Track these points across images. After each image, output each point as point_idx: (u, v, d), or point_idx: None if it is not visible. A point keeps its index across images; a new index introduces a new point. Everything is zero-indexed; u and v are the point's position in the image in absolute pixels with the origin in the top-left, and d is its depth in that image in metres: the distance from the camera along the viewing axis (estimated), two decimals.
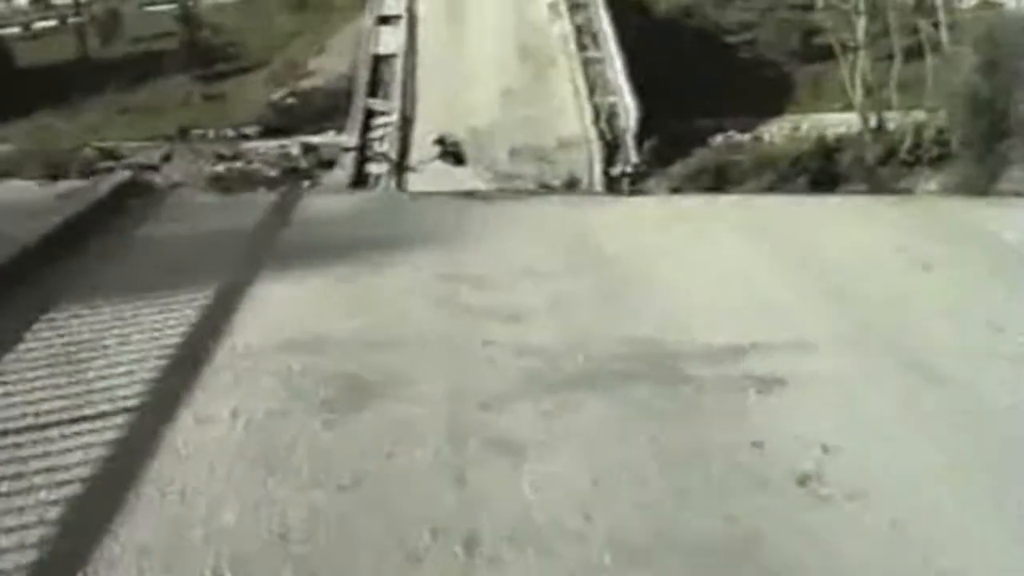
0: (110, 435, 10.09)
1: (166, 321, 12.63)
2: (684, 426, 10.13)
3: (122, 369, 11.36)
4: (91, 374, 11.32)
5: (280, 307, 13.11)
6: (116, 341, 12.10)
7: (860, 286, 13.76)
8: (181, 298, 13.19)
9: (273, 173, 21.65)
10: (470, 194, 19.42)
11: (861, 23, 22.93)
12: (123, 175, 20.04)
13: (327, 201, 19.02)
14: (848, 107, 23.11)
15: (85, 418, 10.43)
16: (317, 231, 16.72)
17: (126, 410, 10.53)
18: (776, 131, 23.65)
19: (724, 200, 19.47)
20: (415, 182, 21.62)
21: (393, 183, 21.36)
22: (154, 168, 21.66)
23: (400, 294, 13.58)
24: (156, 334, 12.24)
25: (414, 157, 22.32)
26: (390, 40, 26.29)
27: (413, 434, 9.98)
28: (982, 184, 18.70)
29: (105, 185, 18.88)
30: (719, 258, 15.07)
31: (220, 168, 21.67)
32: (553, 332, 12.21)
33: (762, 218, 17.45)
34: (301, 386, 10.85)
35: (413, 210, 18.24)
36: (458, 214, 17.50)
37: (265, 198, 19.24)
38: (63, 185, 19.07)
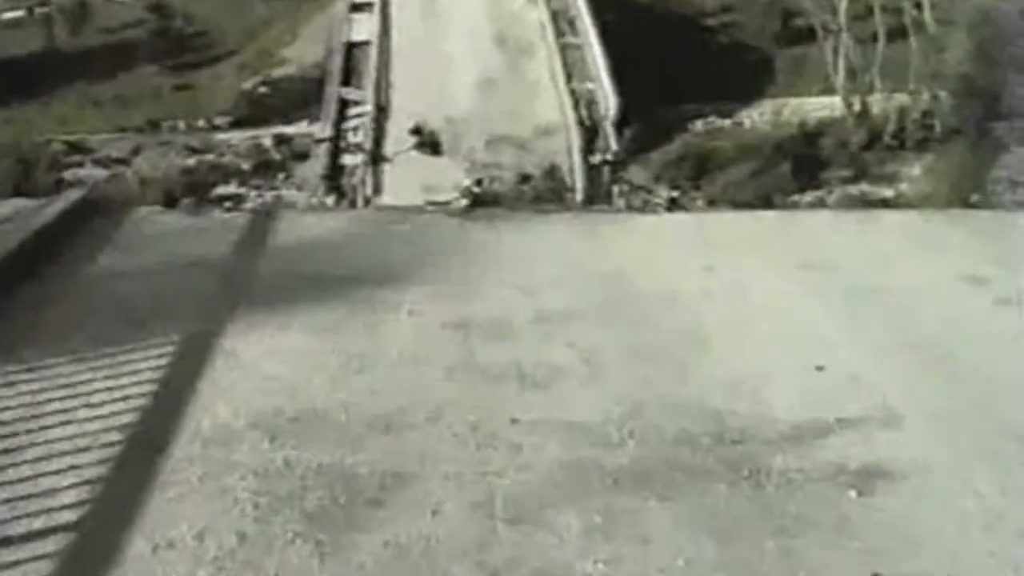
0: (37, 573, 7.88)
1: (118, 389, 10.56)
2: (776, 551, 8.20)
3: (57, 465, 9.27)
4: (14, 472, 9.21)
5: (257, 368, 11.16)
6: (54, 420, 10.04)
7: (947, 338, 12.19)
8: (137, 356, 11.19)
9: (245, 166, 20.88)
10: (468, 212, 17.38)
11: (843, 4, 22.30)
12: (75, 194, 18.87)
13: (306, 222, 16.75)
14: (829, 90, 22.50)
15: (4, 542, 8.28)
16: (297, 261, 14.61)
17: (62, 529, 8.41)
18: (757, 116, 23.02)
19: (766, 219, 17.72)
20: (391, 172, 20.87)
21: (370, 183, 20.50)
22: (123, 162, 20.90)
23: (400, 351, 11.68)
24: (103, 409, 10.20)
25: (389, 147, 21.57)
26: (364, 27, 25.51)
27: (426, 570, 8.11)
28: (976, 170, 18.04)
29: (54, 207, 17.46)
30: (778, 302, 13.37)
31: (191, 161, 20.88)
32: (592, 404, 10.49)
33: (815, 245, 15.87)
34: (284, 491, 9.00)
35: (404, 233, 16.02)
36: (457, 238, 15.82)
37: (237, 219, 16.38)
38: (3, 208, 17.31)
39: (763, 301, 13.36)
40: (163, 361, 11.23)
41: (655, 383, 10.94)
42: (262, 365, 11.32)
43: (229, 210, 17.38)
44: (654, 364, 11.44)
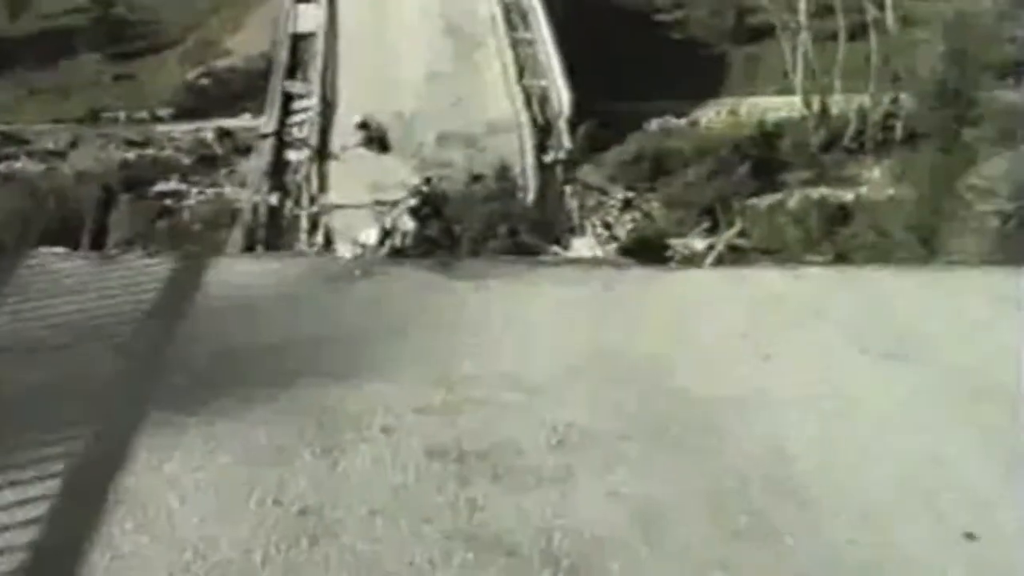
0: None
1: None
2: None
3: None
4: None
5: (168, 524, 7.57)
6: None
7: None
8: None
9: (187, 161, 19.89)
10: (445, 264, 12.57)
11: (802, 1, 21.35)
12: None
13: (241, 273, 11.90)
14: (787, 90, 21.61)
15: None
16: (228, 334, 10.23)
17: None
18: (713, 115, 22.13)
19: (813, 277, 12.40)
20: (337, 169, 19.82)
21: (315, 181, 19.46)
22: (60, 155, 19.75)
23: (373, 504, 7.86)
24: None
25: (336, 143, 20.50)
26: (310, 18, 24.34)
27: None
28: (947, 176, 17.13)
29: None
30: (875, 416, 9.10)
31: (130, 155, 19.87)
32: None
33: (890, 316, 10.92)
34: None
35: (367, 293, 11.26)
36: (435, 301, 11.07)
37: (154, 267, 11.57)
38: None
39: (853, 413, 9.09)
40: (39, 511, 7.54)
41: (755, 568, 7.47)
42: (174, 523, 7.48)
43: (150, 254, 13.67)
44: (744, 536, 7.65)
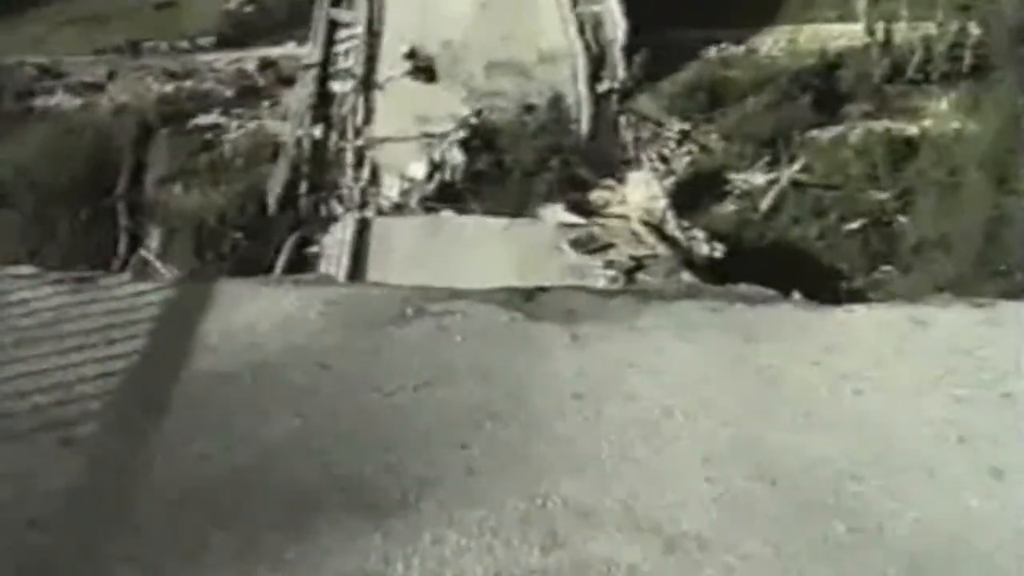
0: None
1: None
2: None
3: None
4: None
5: None
6: None
7: None
8: None
9: (228, 93, 18.91)
10: (526, 295, 8.80)
11: None
12: None
13: (256, 309, 8.53)
14: (848, 17, 20.29)
15: None
16: (229, 429, 7.19)
17: None
18: (772, 43, 20.80)
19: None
20: (382, 101, 18.77)
21: (360, 113, 18.39)
22: (98, 88, 18.78)
23: None
24: None
25: (382, 73, 19.38)
26: None
27: None
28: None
29: None
30: None
31: (169, 88, 18.89)
32: None
33: None
34: None
35: (417, 347, 8.01)
36: (515, 363, 7.80)
37: (141, 297, 8.81)
38: None
39: None
40: None
41: None
42: None
43: (137, 277, 11.33)
44: None
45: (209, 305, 8.53)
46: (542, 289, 8.63)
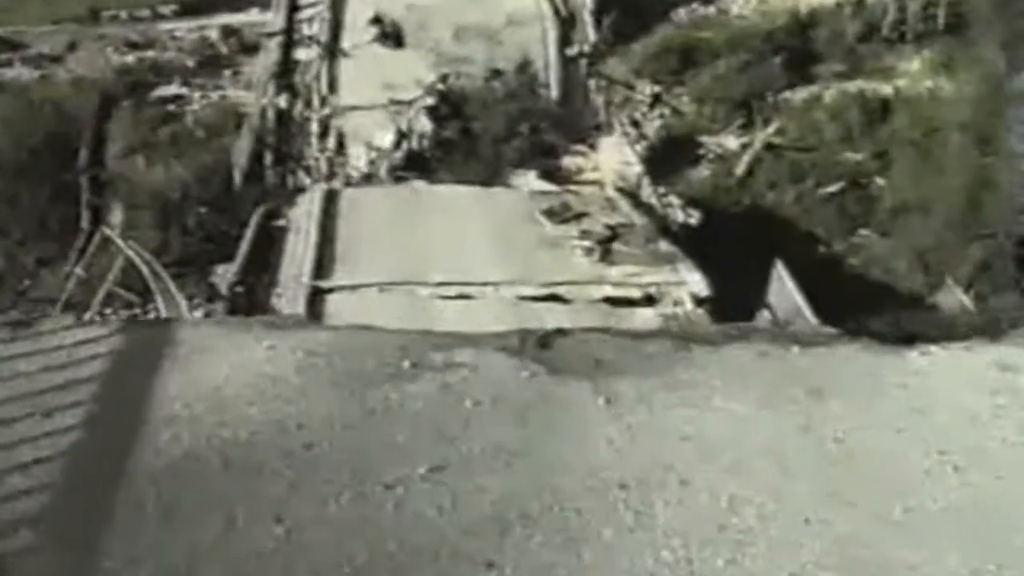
0: None
1: None
2: None
3: None
4: None
5: None
6: None
7: None
8: None
9: (190, 62, 18.21)
10: (542, 342, 7.91)
11: None
12: None
13: (220, 368, 7.43)
14: None
15: None
16: (184, 547, 5.89)
17: None
18: (743, 3, 20.22)
19: None
20: (348, 68, 18.14)
21: (325, 81, 17.76)
22: (57, 60, 18.07)
23: None
24: None
25: (347, 40, 18.71)
26: None
27: None
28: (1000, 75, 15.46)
29: None
30: None
31: (130, 59, 18.19)
32: None
33: None
34: None
35: (419, 415, 6.90)
36: (532, 434, 6.79)
37: (84, 347, 7.50)
38: None
39: None
40: None
41: None
42: None
43: (80, 320, 9.30)
44: None
45: (167, 357, 7.10)
46: (561, 332, 7.55)
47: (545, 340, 7.34)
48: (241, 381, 6.80)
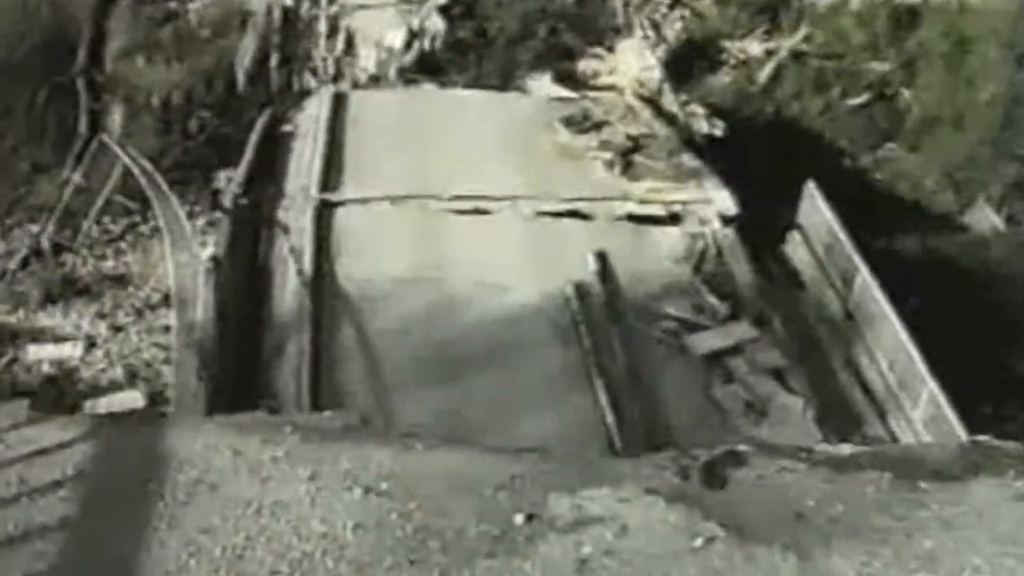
0: None
1: None
2: None
3: None
4: None
5: None
6: None
7: None
8: None
9: None
10: (713, 473, 6.05)
11: None
12: None
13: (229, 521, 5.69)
14: None
15: None
16: None
17: None
18: None
19: None
20: None
21: None
22: None
23: None
24: None
25: None
26: None
27: None
28: None
29: None
30: None
31: None
32: None
33: None
34: None
35: None
36: None
37: (49, 457, 6.11)
38: None
39: None
40: None
41: None
42: None
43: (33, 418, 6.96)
44: None
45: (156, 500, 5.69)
46: (734, 456, 5.67)
47: (714, 469, 5.19)
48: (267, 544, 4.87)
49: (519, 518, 4.86)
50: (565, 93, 15.94)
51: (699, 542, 4.91)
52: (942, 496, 5.27)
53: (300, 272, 12.28)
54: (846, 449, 6.20)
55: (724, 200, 13.52)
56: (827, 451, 5.83)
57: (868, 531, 5.11)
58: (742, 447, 5.93)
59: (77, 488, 5.42)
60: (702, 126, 15.32)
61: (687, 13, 17.67)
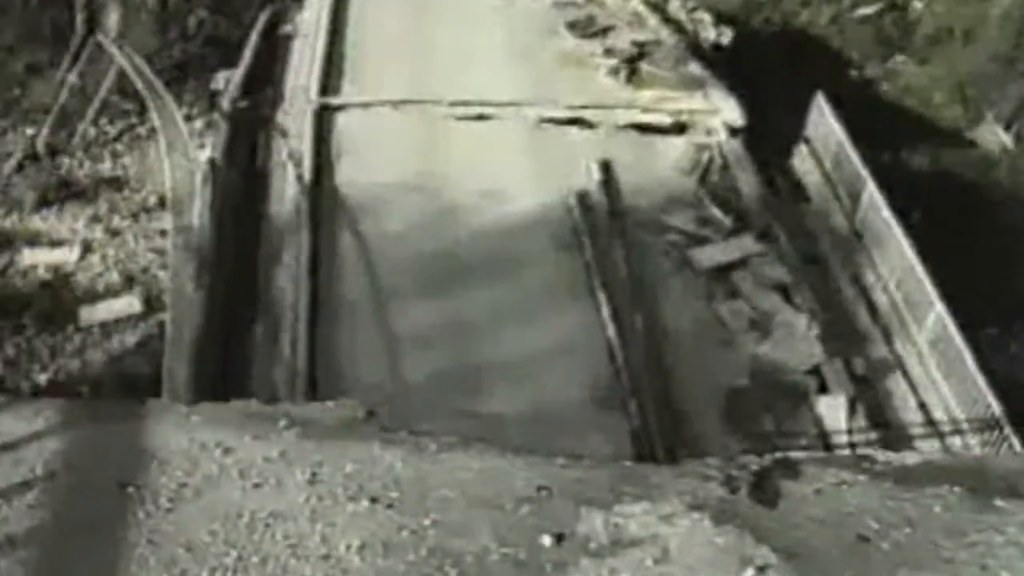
0: None
1: None
2: None
3: None
4: None
5: None
6: None
7: None
8: None
9: None
10: (763, 487, 5.59)
11: None
12: None
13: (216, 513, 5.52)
14: None
15: None
16: None
17: None
18: None
19: None
20: None
21: None
22: None
23: None
24: None
25: None
26: None
27: None
28: None
29: None
30: None
31: None
32: None
33: None
34: None
35: None
36: None
37: None
38: None
39: None
40: None
41: None
42: None
43: None
44: None
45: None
46: (786, 465, 5.21)
47: (765, 482, 4.60)
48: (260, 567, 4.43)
49: (547, 539, 4.43)
50: None
51: (750, 572, 4.46)
52: (1021, 517, 4.75)
53: (299, 177, 12.12)
54: (911, 458, 5.82)
55: (731, 110, 13.22)
56: (889, 460, 5.30)
57: (937, 561, 4.63)
58: (795, 454, 5.59)
59: (46, 492, 5.10)
60: (709, 34, 14.93)
61: None
